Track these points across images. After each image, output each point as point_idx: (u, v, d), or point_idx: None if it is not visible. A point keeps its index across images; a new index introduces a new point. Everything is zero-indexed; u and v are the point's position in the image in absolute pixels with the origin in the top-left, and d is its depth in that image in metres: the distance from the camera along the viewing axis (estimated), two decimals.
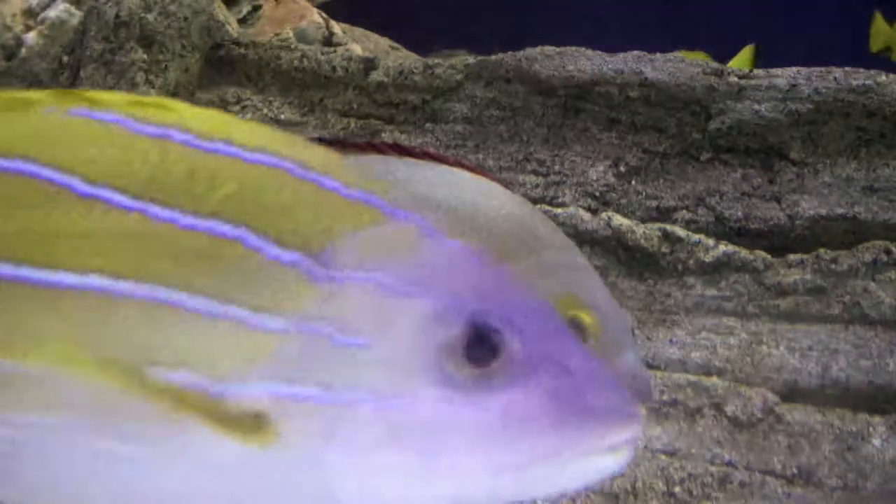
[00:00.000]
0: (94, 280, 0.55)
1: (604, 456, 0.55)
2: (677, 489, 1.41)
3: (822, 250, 1.53)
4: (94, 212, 0.56)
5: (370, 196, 0.57)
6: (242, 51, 1.69)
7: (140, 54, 1.60)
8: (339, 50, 1.77)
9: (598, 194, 1.60)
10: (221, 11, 1.72)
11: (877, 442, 1.44)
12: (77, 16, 1.65)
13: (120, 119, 0.58)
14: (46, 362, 0.53)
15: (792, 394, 1.48)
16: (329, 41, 1.93)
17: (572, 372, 0.56)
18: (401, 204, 0.57)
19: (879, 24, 2.51)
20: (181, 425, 0.54)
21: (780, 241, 1.58)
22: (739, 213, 1.59)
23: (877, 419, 1.45)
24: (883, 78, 1.59)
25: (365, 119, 1.67)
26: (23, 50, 1.64)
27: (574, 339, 0.57)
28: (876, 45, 2.59)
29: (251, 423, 0.54)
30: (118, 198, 0.56)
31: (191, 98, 1.65)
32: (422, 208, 0.58)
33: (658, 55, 1.62)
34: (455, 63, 1.67)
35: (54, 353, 0.54)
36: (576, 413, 0.55)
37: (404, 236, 0.57)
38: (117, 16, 1.61)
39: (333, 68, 1.68)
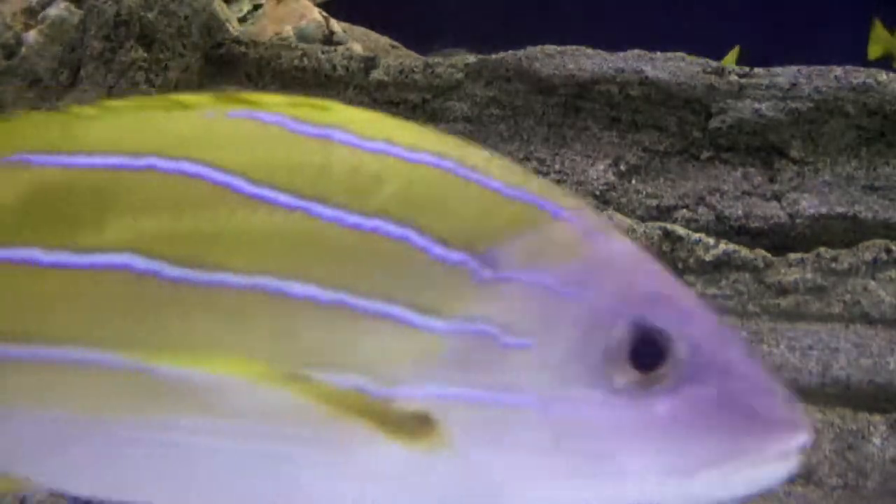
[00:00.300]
0: (260, 281, 0.54)
1: (773, 463, 0.54)
2: None
3: (822, 249, 1.53)
4: (258, 212, 0.55)
5: (532, 195, 0.56)
6: (243, 49, 1.69)
7: (140, 53, 1.60)
8: (340, 49, 1.77)
9: (598, 193, 1.60)
10: (222, 10, 1.72)
11: (877, 441, 1.44)
12: (77, 14, 1.65)
13: (280, 120, 0.58)
14: (215, 369, 0.53)
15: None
16: (329, 40, 1.93)
17: (739, 378, 0.55)
18: (562, 203, 0.56)
19: (879, 32, 2.48)
20: (347, 430, 0.53)
21: (780, 240, 1.58)
22: (740, 212, 1.59)
23: (877, 418, 1.45)
24: (883, 77, 1.59)
25: None
26: (23, 49, 1.64)
27: (740, 345, 0.56)
28: (874, 52, 2.57)
29: (417, 427, 0.53)
30: (282, 197, 0.55)
31: None
32: (583, 208, 0.57)
33: (658, 54, 1.62)
34: (455, 62, 1.67)
35: (222, 359, 0.53)
36: (744, 419, 0.54)
37: (567, 236, 0.56)
38: (117, 14, 1.61)
39: (334, 67, 1.68)
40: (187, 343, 0.54)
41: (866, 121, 1.59)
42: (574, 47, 1.64)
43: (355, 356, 0.53)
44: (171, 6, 1.62)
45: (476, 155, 0.58)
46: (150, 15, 1.61)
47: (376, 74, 1.67)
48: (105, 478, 0.58)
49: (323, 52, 1.70)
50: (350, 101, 1.69)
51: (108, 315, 0.56)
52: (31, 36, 1.64)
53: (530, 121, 1.62)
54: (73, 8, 1.65)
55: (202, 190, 0.56)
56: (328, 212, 0.55)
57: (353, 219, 0.55)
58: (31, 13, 1.66)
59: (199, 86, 1.66)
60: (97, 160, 0.58)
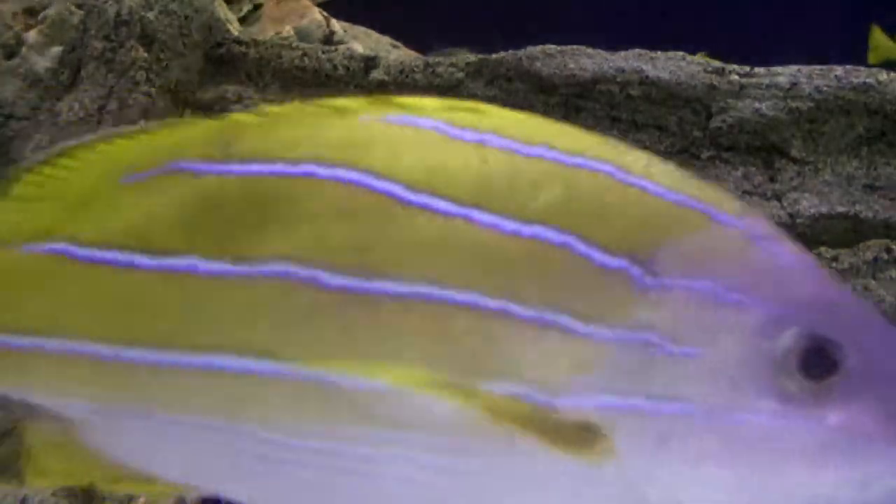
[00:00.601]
0: (422, 289, 0.54)
1: None
2: None
3: (822, 248, 1.53)
4: (418, 219, 0.55)
5: (693, 199, 0.55)
6: (243, 49, 1.69)
7: (141, 53, 1.60)
8: (340, 48, 1.77)
9: None
10: (222, 10, 1.72)
11: None
12: (77, 14, 1.65)
13: (436, 125, 0.57)
14: (378, 377, 0.52)
15: None
16: (330, 40, 1.93)
17: None
18: (724, 207, 0.55)
19: (878, 37, 2.42)
20: (511, 440, 0.52)
21: None
22: None
23: None
24: (884, 76, 1.59)
25: None
26: (23, 48, 1.64)
27: None
28: (874, 58, 2.54)
29: (580, 437, 0.52)
30: (441, 204, 0.55)
31: (192, 97, 1.65)
32: (747, 212, 0.56)
33: (659, 53, 1.62)
34: (456, 61, 1.66)
35: (384, 368, 0.53)
36: None
37: (732, 242, 0.55)
38: (118, 14, 1.61)
39: (334, 67, 1.67)
40: (348, 352, 0.54)
41: (867, 120, 1.59)
42: (574, 47, 1.64)
43: (519, 365, 0.53)
44: (172, 6, 1.62)
45: (635, 157, 0.57)
46: (150, 15, 1.61)
47: (377, 74, 1.67)
48: (263, 486, 0.57)
49: (323, 52, 1.70)
50: None
51: (266, 323, 0.55)
52: (32, 35, 1.64)
53: None
54: (73, 7, 1.65)
55: (362, 197, 0.55)
56: (488, 218, 0.54)
57: (514, 225, 0.54)
58: (31, 13, 1.66)
59: (199, 85, 1.66)
60: (255, 168, 0.58)
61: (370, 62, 1.68)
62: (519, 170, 0.55)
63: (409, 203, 0.55)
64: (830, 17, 2.68)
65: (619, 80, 1.61)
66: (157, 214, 0.58)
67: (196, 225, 0.57)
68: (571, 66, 1.62)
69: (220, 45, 1.69)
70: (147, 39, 1.62)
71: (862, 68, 1.61)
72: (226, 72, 1.70)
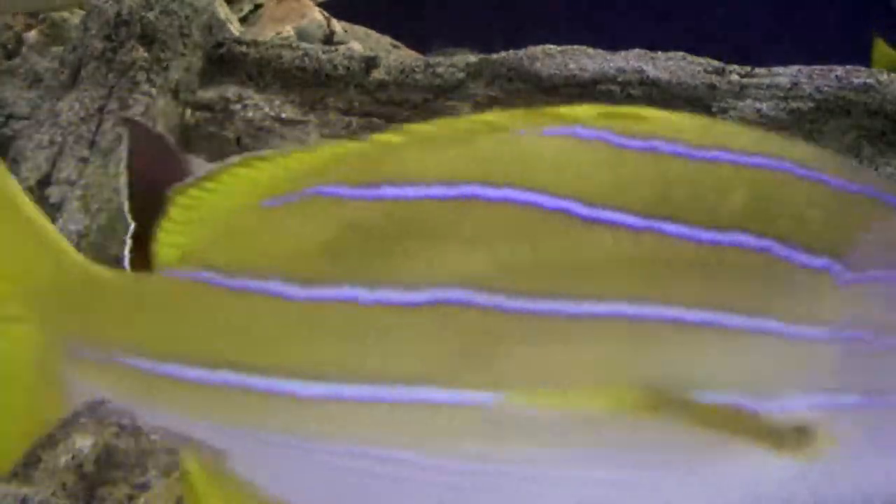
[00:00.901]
0: (617, 307, 0.52)
1: None
2: None
3: None
4: (602, 236, 0.53)
5: (873, 189, 0.54)
6: (244, 49, 1.69)
7: (141, 53, 1.60)
8: (341, 48, 1.77)
9: None
10: (223, 10, 1.72)
11: None
12: (78, 14, 1.65)
13: (599, 134, 0.55)
14: (573, 403, 0.51)
15: None
16: (330, 40, 1.93)
17: None
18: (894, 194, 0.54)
19: (881, 49, 2.40)
20: (726, 449, 0.51)
21: None
22: None
23: None
24: (884, 77, 1.59)
25: (366, 117, 1.66)
26: (23, 48, 1.64)
27: None
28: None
29: (798, 439, 0.52)
30: (624, 218, 0.53)
31: (192, 97, 1.65)
32: None
33: (660, 53, 1.62)
34: (457, 61, 1.66)
35: (582, 392, 0.51)
36: None
37: None
38: (118, 14, 1.61)
39: (335, 67, 1.67)
40: (537, 376, 0.52)
41: (867, 121, 1.59)
42: (575, 47, 1.64)
43: (730, 374, 0.52)
44: (172, 6, 1.62)
45: (808, 152, 0.56)
46: (150, 15, 1.61)
47: (377, 74, 1.67)
48: None
49: (324, 52, 1.70)
50: (351, 101, 1.70)
51: (442, 351, 0.54)
52: (32, 36, 1.64)
53: None
54: (73, 8, 1.65)
55: (535, 217, 0.54)
56: (678, 229, 0.53)
57: (708, 234, 0.53)
58: (31, 13, 1.66)
59: (199, 85, 1.66)
60: (410, 191, 0.56)
61: (370, 62, 1.68)
62: (697, 175, 0.54)
63: (587, 219, 0.53)
64: (831, 18, 2.68)
65: (619, 80, 1.61)
66: (304, 242, 0.57)
67: (346, 251, 0.56)
68: (572, 66, 1.62)
69: (220, 45, 1.69)
70: (147, 39, 1.62)
71: (862, 69, 1.61)
72: (226, 72, 1.70)
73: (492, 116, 0.57)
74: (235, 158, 0.60)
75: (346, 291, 0.55)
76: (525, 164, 0.55)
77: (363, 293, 0.55)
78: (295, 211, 0.58)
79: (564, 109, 0.58)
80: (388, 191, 0.56)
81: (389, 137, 0.58)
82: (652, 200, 0.53)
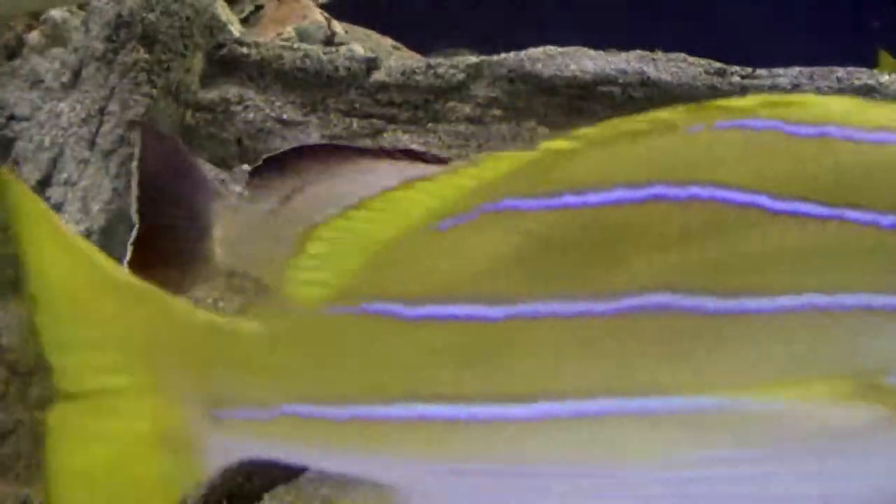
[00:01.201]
0: (809, 299, 0.52)
1: None
2: None
3: None
4: (791, 228, 0.53)
5: None
6: (245, 50, 1.69)
7: (142, 54, 1.60)
8: (342, 49, 1.77)
9: None
10: (224, 11, 1.72)
11: None
12: (78, 15, 1.65)
13: (771, 124, 0.55)
14: (781, 397, 0.51)
15: None
16: (331, 41, 1.93)
17: None
18: None
19: (885, 62, 2.40)
20: None
21: None
22: None
23: None
24: (885, 78, 1.59)
25: (367, 119, 1.66)
26: (24, 49, 1.64)
27: None
28: None
29: None
30: (810, 209, 0.52)
31: (193, 98, 1.65)
32: None
33: (661, 54, 1.62)
34: (457, 63, 1.66)
35: (786, 386, 0.51)
36: None
37: None
38: (119, 15, 1.61)
39: (336, 68, 1.67)
40: (746, 375, 0.52)
41: None
42: (576, 48, 1.64)
43: None
44: (173, 7, 1.62)
45: None
46: (151, 16, 1.61)
47: (378, 75, 1.67)
48: None
49: (325, 53, 1.70)
50: (352, 103, 1.70)
51: (650, 357, 0.53)
52: (33, 37, 1.64)
53: (532, 122, 1.61)
54: (74, 8, 1.65)
55: (725, 213, 0.53)
56: (862, 216, 0.52)
57: (887, 219, 0.52)
58: (32, 14, 1.66)
59: (200, 86, 1.66)
60: (592, 198, 0.55)
61: (371, 63, 1.68)
62: (870, 159, 0.53)
63: (776, 212, 0.53)
64: (831, 17, 2.68)
65: (620, 81, 1.61)
66: (491, 260, 0.55)
67: (537, 266, 0.54)
68: (573, 67, 1.62)
69: (221, 46, 1.69)
70: (148, 40, 1.62)
71: (863, 70, 1.60)
72: (227, 73, 1.70)
73: (659, 116, 0.57)
74: (392, 182, 0.57)
75: (545, 306, 0.54)
76: (706, 159, 0.55)
77: (562, 306, 0.54)
78: (474, 229, 0.56)
79: (728, 102, 0.56)
80: (570, 199, 0.55)
81: (560, 144, 0.57)
82: (833, 188, 0.53)
